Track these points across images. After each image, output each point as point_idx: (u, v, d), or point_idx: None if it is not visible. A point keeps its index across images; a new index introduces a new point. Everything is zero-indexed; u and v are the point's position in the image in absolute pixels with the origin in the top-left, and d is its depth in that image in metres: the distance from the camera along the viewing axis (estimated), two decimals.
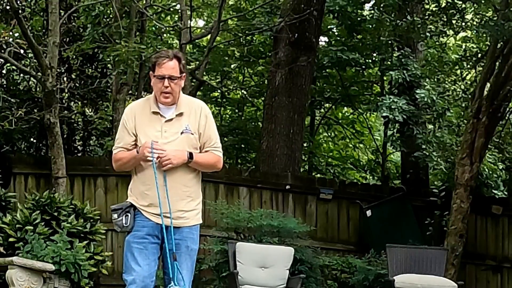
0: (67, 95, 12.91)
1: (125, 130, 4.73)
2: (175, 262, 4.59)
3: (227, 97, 15.47)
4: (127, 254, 4.69)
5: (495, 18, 10.67)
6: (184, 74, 4.74)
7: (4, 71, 13.01)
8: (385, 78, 13.22)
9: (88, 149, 14.01)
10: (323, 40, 14.08)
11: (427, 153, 10.98)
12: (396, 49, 12.75)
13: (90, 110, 13.84)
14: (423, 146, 11.07)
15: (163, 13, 13.34)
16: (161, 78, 4.62)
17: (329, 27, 14.07)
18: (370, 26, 12.67)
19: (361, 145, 16.37)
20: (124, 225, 4.73)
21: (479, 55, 12.28)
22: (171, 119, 4.68)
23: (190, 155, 4.63)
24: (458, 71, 13.32)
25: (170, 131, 4.66)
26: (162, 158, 4.57)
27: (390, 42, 12.54)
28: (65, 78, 12.80)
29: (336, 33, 14.19)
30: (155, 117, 4.69)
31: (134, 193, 4.76)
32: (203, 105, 4.81)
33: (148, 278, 4.62)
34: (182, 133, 4.66)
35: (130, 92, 12.89)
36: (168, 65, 4.62)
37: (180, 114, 4.69)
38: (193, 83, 11.61)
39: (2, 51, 10.87)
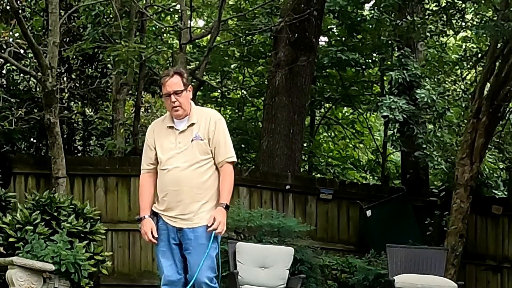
0: (67, 95, 12.91)
1: (147, 146, 5.20)
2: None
3: (227, 97, 15.47)
4: (156, 257, 5.18)
5: (495, 18, 10.67)
6: (190, 86, 5.17)
7: (4, 71, 13.01)
8: (385, 78, 13.21)
9: (88, 149, 14.02)
10: (323, 40, 14.08)
11: (428, 153, 10.98)
12: (396, 49, 12.75)
13: (90, 110, 13.85)
14: (424, 146, 11.07)
15: (163, 13, 13.34)
16: (168, 95, 5.07)
17: (329, 27, 14.07)
18: (370, 26, 12.67)
19: (361, 145, 16.37)
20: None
21: (479, 55, 12.27)
22: (184, 131, 5.09)
23: (226, 206, 5.01)
24: (458, 71, 13.31)
25: (183, 142, 5.06)
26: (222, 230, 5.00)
27: (390, 42, 12.54)
28: (65, 78, 12.81)
29: (336, 33, 14.20)
30: (170, 130, 5.12)
31: (156, 199, 5.16)
32: (213, 113, 5.22)
33: (171, 277, 5.06)
34: (192, 140, 5.05)
35: (130, 92, 12.90)
36: (171, 82, 5.07)
37: (192, 125, 5.09)
38: (193, 83, 11.61)
39: (2, 51, 10.87)
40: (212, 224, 4.96)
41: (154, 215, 5.09)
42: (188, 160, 5.00)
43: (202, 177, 5.01)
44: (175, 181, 4.99)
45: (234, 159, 5.11)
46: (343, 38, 13.60)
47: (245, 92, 15.19)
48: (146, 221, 5.06)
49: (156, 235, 5.04)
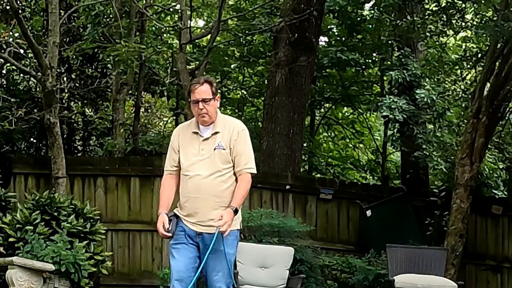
0: (67, 95, 12.91)
1: (171, 149, 5.34)
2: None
3: (227, 97, 15.47)
4: (170, 255, 5.28)
5: (495, 18, 10.67)
6: (218, 96, 5.31)
7: (4, 71, 13.02)
8: (385, 78, 13.22)
9: (88, 149, 14.02)
10: (323, 40, 14.08)
11: (427, 153, 10.98)
12: (396, 49, 12.75)
13: (90, 110, 13.86)
14: (423, 146, 11.07)
15: (163, 13, 13.34)
16: (196, 102, 5.18)
17: (329, 27, 14.07)
18: (370, 26, 12.67)
19: (361, 145, 16.37)
20: (167, 229, 5.22)
21: (479, 55, 12.27)
22: (207, 138, 5.22)
23: (236, 210, 5.18)
24: (458, 71, 13.31)
25: (206, 149, 5.19)
26: (227, 231, 5.08)
27: (390, 42, 12.54)
28: (65, 78, 12.82)
29: (336, 33, 14.20)
30: (195, 136, 5.25)
31: (178, 204, 5.30)
32: (238, 123, 5.34)
33: (182, 272, 5.14)
34: (215, 149, 5.18)
35: (130, 92, 12.91)
36: (201, 90, 5.19)
37: (216, 133, 5.23)
38: None
39: (2, 51, 10.88)
40: (218, 225, 5.04)
41: (177, 217, 5.23)
42: (210, 169, 5.13)
43: (222, 186, 5.16)
44: (196, 188, 5.13)
45: (254, 170, 5.23)
46: (343, 38, 13.60)
47: (245, 92, 15.19)
48: (160, 217, 5.17)
49: (167, 226, 5.12)
